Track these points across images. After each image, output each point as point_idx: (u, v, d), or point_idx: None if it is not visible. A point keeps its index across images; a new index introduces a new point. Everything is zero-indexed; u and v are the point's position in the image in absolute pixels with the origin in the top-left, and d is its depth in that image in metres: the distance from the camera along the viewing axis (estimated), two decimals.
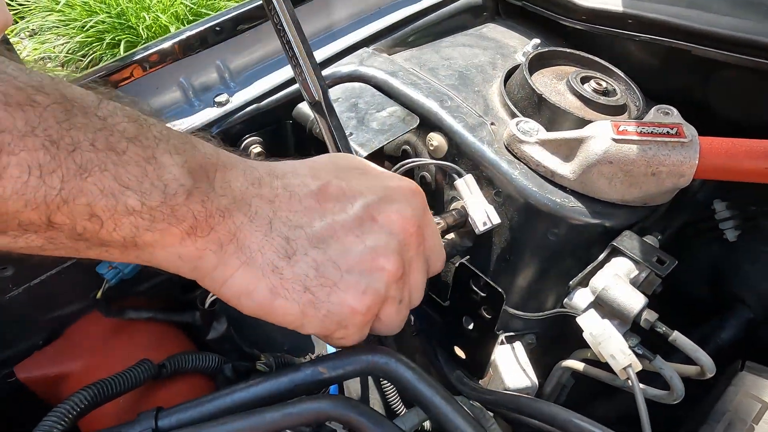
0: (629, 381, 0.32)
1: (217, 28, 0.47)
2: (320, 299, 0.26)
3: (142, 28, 1.94)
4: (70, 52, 1.96)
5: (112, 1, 1.95)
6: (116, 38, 1.96)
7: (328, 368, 0.31)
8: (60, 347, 0.45)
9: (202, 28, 0.46)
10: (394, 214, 0.27)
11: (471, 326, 0.39)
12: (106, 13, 1.94)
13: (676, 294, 0.64)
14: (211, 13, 2.05)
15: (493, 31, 0.59)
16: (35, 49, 2.00)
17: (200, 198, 0.24)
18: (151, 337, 0.46)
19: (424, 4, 0.58)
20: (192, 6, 2.04)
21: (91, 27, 1.93)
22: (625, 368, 0.32)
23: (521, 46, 0.55)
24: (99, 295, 0.43)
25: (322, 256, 0.26)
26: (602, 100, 0.45)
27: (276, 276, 0.26)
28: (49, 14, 2.03)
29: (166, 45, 0.45)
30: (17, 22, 2.04)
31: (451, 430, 0.29)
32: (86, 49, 1.97)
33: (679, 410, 0.49)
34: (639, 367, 0.32)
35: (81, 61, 2.01)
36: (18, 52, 2.02)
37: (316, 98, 0.36)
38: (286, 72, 0.50)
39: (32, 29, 2.06)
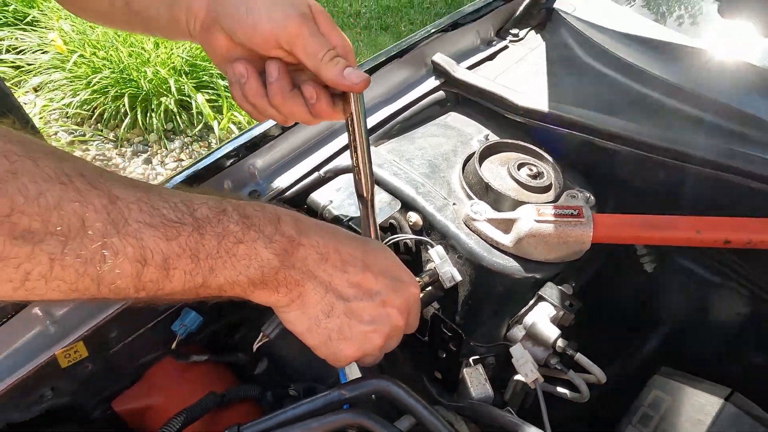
0: (538, 390, 0.49)
1: (248, 144, 0.63)
2: (333, 343, 0.43)
3: (144, 82, 2.11)
4: (77, 107, 2.12)
5: (115, 58, 2.11)
6: (120, 91, 2.12)
7: (348, 391, 0.47)
8: (143, 386, 0.60)
9: (240, 143, 0.63)
10: (395, 310, 0.43)
11: (444, 356, 0.55)
12: (110, 69, 2.11)
13: (612, 316, 0.81)
14: (206, 64, 2.22)
15: (454, 120, 0.76)
16: (45, 105, 2.15)
17: (284, 274, 0.40)
18: (209, 375, 0.62)
19: (404, 101, 0.75)
20: (188, 58, 2.21)
21: (97, 83, 2.09)
22: (533, 381, 0.48)
23: (477, 134, 0.72)
24: (173, 346, 0.59)
25: (346, 321, 0.42)
26: (533, 183, 0.62)
27: (315, 323, 0.42)
28: (55, 71, 2.19)
29: (219, 158, 0.61)
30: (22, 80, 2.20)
31: (432, 429, 0.45)
32: (92, 103, 2.13)
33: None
34: (542, 380, 0.49)
35: (89, 114, 2.17)
36: (27, 108, 2.17)
37: (365, 195, 0.50)
38: (299, 169, 0.66)
39: (35, 86, 2.22)
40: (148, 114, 2.15)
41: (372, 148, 0.70)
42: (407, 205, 0.62)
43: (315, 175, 0.66)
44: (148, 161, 2.17)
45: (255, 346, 0.58)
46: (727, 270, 0.71)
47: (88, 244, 0.32)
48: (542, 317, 0.53)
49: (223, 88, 2.21)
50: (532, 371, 0.49)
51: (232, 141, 0.63)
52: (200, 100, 2.13)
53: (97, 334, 0.53)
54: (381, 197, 0.63)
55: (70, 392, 0.55)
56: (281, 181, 0.65)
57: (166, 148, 2.20)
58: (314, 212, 0.64)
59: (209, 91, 2.21)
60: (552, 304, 0.54)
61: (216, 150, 0.63)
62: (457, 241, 0.58)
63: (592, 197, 0.63)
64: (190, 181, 0.60)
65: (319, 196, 0.63)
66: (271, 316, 0.52)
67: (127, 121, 2.13)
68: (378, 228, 0.52)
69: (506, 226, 0.57)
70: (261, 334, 0.55)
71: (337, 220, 0.62)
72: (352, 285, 0.43)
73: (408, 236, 0.60)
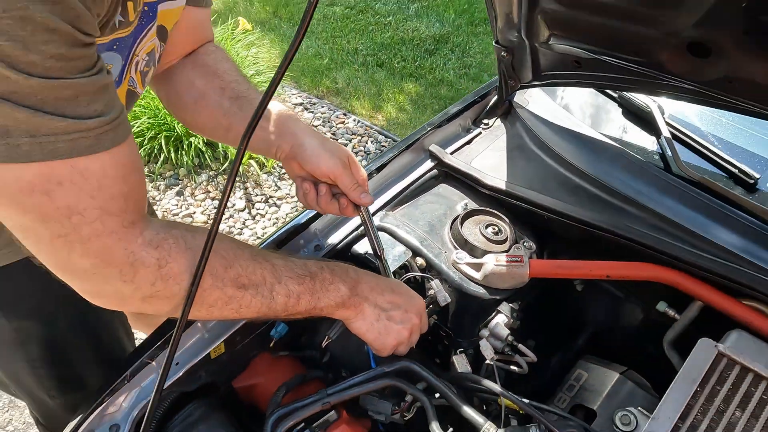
0: (494, 365, 0.84)
1: (312, 216, 0.98)
2: (381, 337, 0.78)
3: (177, 125, 2.45)
4: None
5: (152, 105, 2.46)
6: (156, 133, 2.46)
7: (387, 367, 0.82)
8: (250, 371, 0.95)
9: (308, 216, 0.98)
10: (414, 314, 0.79)
11: (440, 348, 0.90)
12: (147, 115, 2.45)
13: (555, 321, 1.16)
14: None
15: (444, 190, 1.12)
16: None
17: (353, 299, 0.75)
18: (291, 364, 0.96)
19: (410, 178, 1.11)
20: None
21: (137, 127, 2.43)
22: (491, 359, 0.84)
23: (460, 201, 1.08)
24: (271, 345, 0.93)
25: (387, 323, 0.78)
26: (495, 237, 0.98)
27: (370, 326, 0.77)
28: None
29: (296, 224, 0.96)
30: None
31: (437, 389, 0.80)
32: None
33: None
34: (496, 358, 0.84)
35: None
36: None
37: (378, 253, 0.86)
38: (344, 230, 1.01)
39: None
40: (180, 152, 2.50)
41: (389, 212, 1.06)
42: (415, 253, 0.97)
43: (354, 234, 1.01)
44: (180, 194, 2.51)
45: (324, 344, 0.93)
46: (626, 289, 1.07)
47: (266, 290, 0.68)
48: (499, 323, 0.89)
49: None
50: (491, 355, 0.85)
51: (302, 215, 0.99)
52: None
53: (230, 338, 0.88)
54: (398, 249, 0.98)
55: (213, 374, 0.89)
56: (334, 238, 1.00)
57: (195, 182, 2.54)
58: (356, 258, 0.99)
59: None
60: (505, 315, 0.90)
61: (293, 219, 0.98)
62: (447, 276, 0.94)
63: (534, 245, 0.99)
64: (282, 238, 0.95)
65: (359, 248, 0.99)
66: (325, 328, 0.87)
67: (162, 158, 2.47)
68: (390, 272, 0.88)
69: (477, 267, 0.93)
70: (326, 337, 0.90)
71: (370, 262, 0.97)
72: (388, 302, 0.79)
73: (416, 274, 0.96)
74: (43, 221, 0.51)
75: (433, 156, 1.13)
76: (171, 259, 0.58)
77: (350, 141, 2.91)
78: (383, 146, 2.91)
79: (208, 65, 0.88)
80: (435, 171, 1.13)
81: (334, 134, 2.93)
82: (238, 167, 0.60)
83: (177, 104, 0.90)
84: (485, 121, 1.23)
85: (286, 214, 2.48)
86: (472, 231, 1.00)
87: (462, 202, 1.07)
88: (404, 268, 0.97)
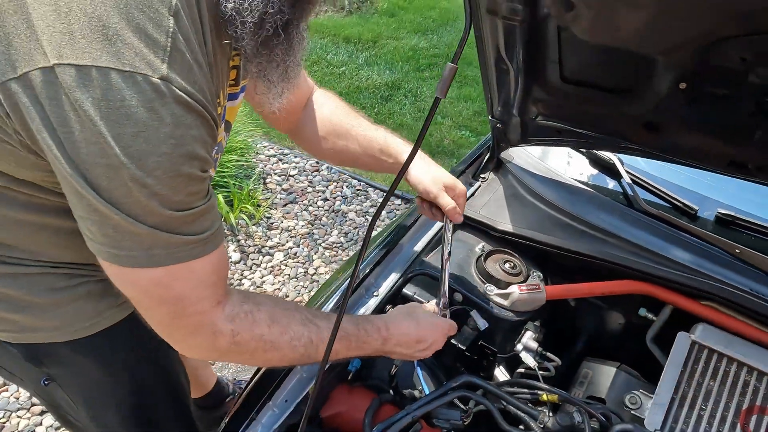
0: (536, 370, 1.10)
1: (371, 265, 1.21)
2: (407, 355, 1.01)
3: None
4: None
5: None
6: None
7: (453, 382, 1.05)
8: (332, 402, 1.14)
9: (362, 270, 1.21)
10: (438, 339, 1.03)
11: (484, 363, 1.14)
12: None
13: (560, 334, 1.44)
14: (220, 170, 2.73)
15: (462, 236, 1.38)
16: None
17: (384, 351, 0.98)
18: (364, 392, 1.17)
19: (435, 228, 1.36)
20: None
21: None
22: (533, 366, 1.10)
23: (476, 245, 1.34)
24: (350, 378, 1.14)
25: (409, 354, 1.01)
26: (512, 271, 1.25)
27: (401, 356, 1.01)
28: None
29: (362, 279, 1.19)
30: None
31: (500, 396, 1.04)
32: None
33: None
34: (536, 366, 1.10)
35: None
36: None
37: (443, 263, 1.10)
38: (393, 276, 1.25)
39: None
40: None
41: (424, 258, 1.30)
42: (452, 289, 1.22)
43: (402, 279, 1.25)
44: None
45: (392, 372, 1.15)
46: (610, 302, 1.37)
47: (312, 348, 0.87)
48: (529, 338, 1.15)
49: (233, 185, 2.74)
50: (533, 363, 1.11)
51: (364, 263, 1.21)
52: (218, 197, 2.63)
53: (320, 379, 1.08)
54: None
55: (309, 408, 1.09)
56: (387, 283, 1.23)
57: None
58: (405, 298, 1.23)
59: (224, 190, 2.72)
60: (532, 331, 1.16)
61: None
62: (483, 306, 1.19)
63: (541, 274, 1.27)
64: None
65: (407, 290, 1.22)
66: (382, 362, 1.09)
67: None
68: (446, 282, 1.12)
69: (504, 296, 1.19)
70: (394, 366, 1.12)
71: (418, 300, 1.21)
72: (414, 343, 0.99)
73: (458, 307, 1.20)
74: (160, 303, 0.71)
75: None
76: (241, 330, 0.77)
77: (327, 187, 3.14)
78: (358, 190, 3.16)
79: (331, 122, 1.16)
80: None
81: (311, 182, 3.15)
82: (370, 233, 0.82)
83: (314, 150, 1.21)
84: (482, 175, 1.52)
85: (280, 262, 2.65)
86: (493, 267, 1.26)
87: (479, 245, 1.34)
88: (451, 301, 1.21)
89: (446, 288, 1.11)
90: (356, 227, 2.92)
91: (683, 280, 1.13)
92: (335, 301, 1.15)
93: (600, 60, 1.04)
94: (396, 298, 1.24)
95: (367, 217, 2.99)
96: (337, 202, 3.05)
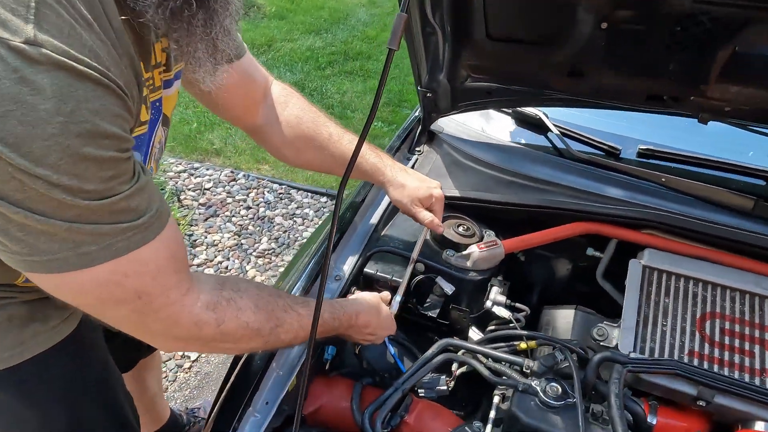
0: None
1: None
2: (353, 338, 1.01)
3: None
4: None
5: None
6: None
7: (434, 349, 1.04)
8: (312, 396, 1.08)
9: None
10: (384, 330, 1.04)
11: (458, 327, 1.15)
12: None
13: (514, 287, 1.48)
14: None
15: None
16: None
17: (349, 332, 0.97)
18: (342, 380, 1.12)
19: (383, 205, 1.34)
20: None
21: None
22: (510, 318, 1.12)
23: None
24: (327, 368, 1.09)
25: (367, 338, 1.01)
26: (467, 233, 1.26)
27: (360, 338, 1.00)
28: None
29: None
30: None
31: (481, 353, 1.04)
32: None
33: None
34: (512, 317, 1.12)
35: None
36: None
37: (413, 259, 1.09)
38: (353, 258, 1.21)
39: None
40: None
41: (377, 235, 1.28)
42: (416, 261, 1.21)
43: (362, 258, 1.22)
44: None
45: (356, 351, 1.11)
46: (556, 251, 1.43)
47: (293, 334, 0.85)
48: (496, 293, 1.17)
49: None
50: (508, 314, 1.12)
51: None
52: None
53: (299, 374, 1.02)
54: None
55: (289, 406, 1.02)
56: (348, 266, 1.19)
57: None
58: (367, 277, 1.20)
59: None
60: (497, 286, 1.18)
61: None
62: (446, 272, 1.19)
63: (493, 232, 1.30)
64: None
65: (368, 269, 1.19)
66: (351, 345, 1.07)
67: None
68: (407, 275, 1.11)
69: (465, 258, 1.20)
70: (355, 347, 1.09)
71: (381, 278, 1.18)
72: (369, 333, 1.00)
73: (422, 276, 1.19)
74: (118, 304, 0.63)
75: None
76: (227, 319, 0.73)
77: (248, 195, 3.01)
78: (280, 194, 3.07)
79: (300, 129, 1.08)
80: None
81: (229, 193, 3.01)
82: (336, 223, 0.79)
83: (279, 154, 1.13)
84: (417, 149, 1.52)
85: None
86: (448, 233, 1.27)
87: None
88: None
89: (404, 288, 1.12)
90: (285, 231, 2.83)
91: (624, 213, 1.21)
92: (299, 287, 1.09)
93: (523, 13, 1.08)
94: (359, 278, 1.20)
95: (294, 219, 2.91)
96: (261, 209, 2.94)
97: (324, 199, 3.08)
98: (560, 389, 0.94)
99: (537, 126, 1.49)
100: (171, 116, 0.90)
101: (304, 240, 2.76)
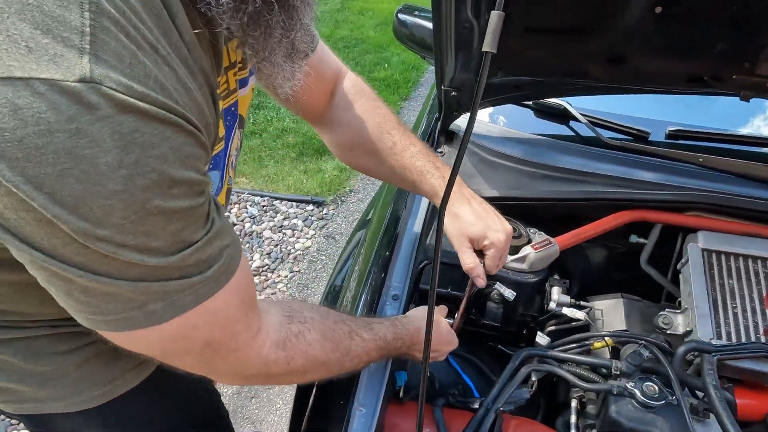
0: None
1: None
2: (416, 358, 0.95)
3: None
4: None
5: None
6: None
7: (514, 361, 0.99)
8: (389, 428, 1.01)
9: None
10: (438, 355, 0.98)
11: (525, 332, 1.10)
12: None
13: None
14: None
15: None
16: None
17: (408, 351, 0.91)
18: (412, 405, 1.06)
19: (422, 211, 1.28)
20: None
21: None
22: (582, 318, 1.08)
23: None
24: (401, 395, 1.01)
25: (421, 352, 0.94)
26: (516, 235, 1.22)
27: (414, 353, 0.94)
28: None
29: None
30: None
31: (564, 359, 1.00)
32: None
33: None
34: (586, 317, 1.09)
35: None
36: None
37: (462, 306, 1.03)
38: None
39: None
40: None
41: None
42: None
43: (414, 273, 1.15)
44: None
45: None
46: (593, 240, 1.41)
47: (357, 361, 0.80)
48: (559, 293, 1.13)
49: None
50: (582, 315, 1.09)
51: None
52: None
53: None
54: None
55: None
56: (400, 281, 1.12)
57: None
58: (421, 292, 1.13)
59: None
60: (557, 286, 1.15)
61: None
62: (504, 278, 1.14)
63: (540, 231, 1.26)
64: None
65: (423, 285, 1.13)
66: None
67: None
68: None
69: (520, 261, 1.16)
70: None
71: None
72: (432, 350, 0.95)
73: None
74: (186, 353, 0.58)
75: None
76: (297, 356, 0.68)
77: (230, 211, 2.86)
78: (264, 206, 2.93)
79: (361, 136, 0.98)
80: None
81: None
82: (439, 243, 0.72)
83: (339, 155, 1.06)
84: (439, 150, 1.46)
85: None
86: None
87: None
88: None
89: (465, 305, 1.05)
90: (276, 244, 2.71)
91: (669, 197, 1.20)
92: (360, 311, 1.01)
93: (565, 2, 1.03)
94: (414, 294, 1.14)
95: (283, 231, 2.79)
96: (247, 224, 2.80)
97: (310, 207, 2.97)
98: (657, 388, 0.91)
99: (560, 116, 1.46)
100: (246, 115, 0.80)
101: (299, 252, 2.66)
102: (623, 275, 1.45)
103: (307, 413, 0.96)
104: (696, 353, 0.98)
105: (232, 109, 0.70)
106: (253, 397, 2.00)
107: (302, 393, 1.02)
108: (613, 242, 1.35)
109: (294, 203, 2.97)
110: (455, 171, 0.68)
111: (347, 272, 1.28)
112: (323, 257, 2.66)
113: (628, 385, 0.92)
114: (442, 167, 1.00)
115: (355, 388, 0.91)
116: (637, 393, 0.90)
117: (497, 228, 0.95)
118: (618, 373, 0.96)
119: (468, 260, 0.96)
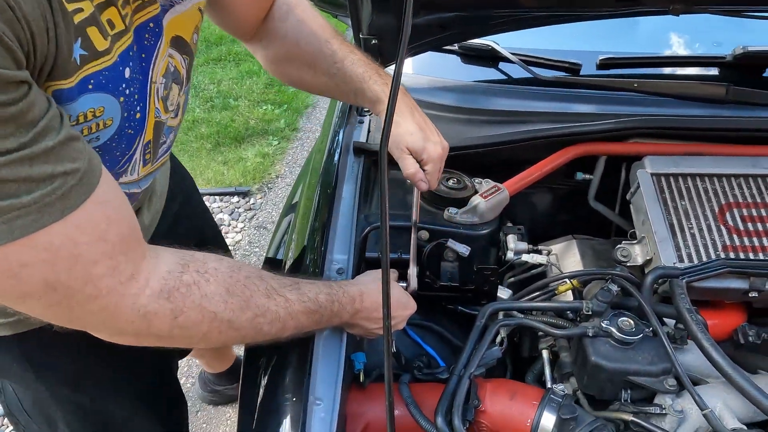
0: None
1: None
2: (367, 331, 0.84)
3: None
4: None
5: None
6: None
7: (479, 321, 0.90)
8: (352, 418, 0.89)
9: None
10: (399, 309, 0.86)
11: (485, 288, 1.02)
12: None
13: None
14: None
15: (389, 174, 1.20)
16: None
17: (351, 319, 0.79)
18: (379, 387, 0.94)
19: (356, 178, 1.15)
20: None
21: None
22: (545, 262, 1.01)
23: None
24: (362, 380, 0.89)
25: (371, 331, 0.84)
26: (459, 186, 1.12)
27: (364, 333, 0.84)
28: None
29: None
30: None
31: (532, 308, 0.92)
32: None
33: None
34: (549, 262, 1.01)
35: None
36: None
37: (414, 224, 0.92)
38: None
39: None
40: None
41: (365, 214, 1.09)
42: (418, 228, 1.05)
43: (357, 241, 1.02)
44: None
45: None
46: (545, 187, 1.35)
47: (279, 326, 0.68)
48: (515, 242, 1.05)
49: None
50: (545, 259, 1.01)
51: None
52: None
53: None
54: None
55: None
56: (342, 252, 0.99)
57: None
58: (369, 262, 1.01)
59: None
60: (513, 234, 1.06)
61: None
62: (454, 233, 1.04)
63: (485, 179, 1.17)
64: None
65: (370, 253, 1.01)
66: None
67: None
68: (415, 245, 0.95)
69: (470, 212, 1.06)
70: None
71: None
72: (374, 322, 0.83)
73: (431, 244, 1.03)
74: (25, 297, 0.50)
75: (358, 151, 1.19)
76: (186, 309, 0.58)
77: None
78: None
79: (287, 41, 0.91)
80: (366, 162, 1.19)
81: None
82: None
83: (275, 73, 0.97)
84: (365, 109, 1.33)
85: None
86: (440, 190, 1.11)
87: None
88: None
89: (415, 258, 0.95)
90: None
91: (611, 126, 1.15)
92: None
93: None
94: (360, 265, 1.01)
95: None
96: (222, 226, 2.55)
97: (235, 198, 2.76)
98: (632, 322, 0.85)
99: (487, 58, 1.37)
100: (194, 41, 0.72)
101: (230, 248, 2.46)
102: (568, 216, 1.40)
103: (255, 416, 0.82)
104: (662, 280, 0.93)
105: (150, 24, 0.61)
106: (198, 410, 1.82)
107: (248, 392, 0.88)
108: (559, 183, 1.29)
109: (217, 197, 2.74)
110: (398, 72, 0.57)
111: (282, 252, 1.14)
112: (257, 249, 2.47)
113: (603, 324, 0.85)
114: (384, 75, 0.92)
115: (307, 379, 0.78)
116: (614, 331, 0.84)
117: (436, 141, 0.91)
118: (590, 313, 0.89)
119: (409, 166, 0.90)
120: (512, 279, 1.12)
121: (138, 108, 0.60)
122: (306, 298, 0.71)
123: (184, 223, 1.11)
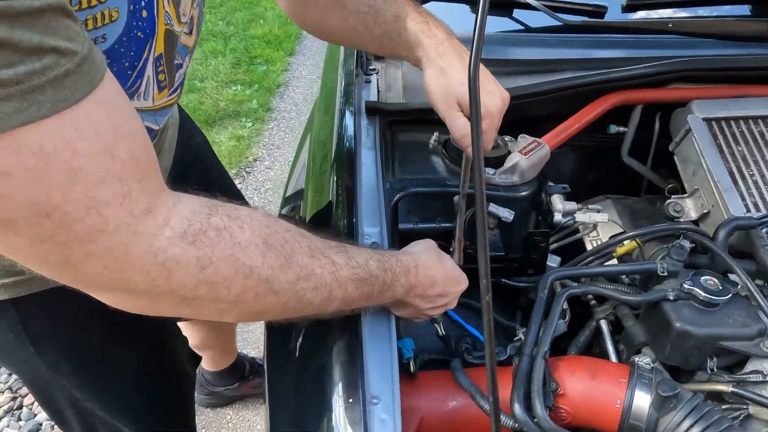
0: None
1: None
2: (420, 311, 0.72)
3: None
4: None
5: None
6: None
7: (543, 291, 0.78)
8: (408, 413, 0.77)
9: None
10: (447, 303, 0.73)
11: (533, 256, 0.90)
12: None
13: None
14: None
15: (406, 136, 1.06)
16: None
17: (404, 297, 0.66)
18: (431, 375, 0.82)
19: (373, 141, 1.01)
20: None
21: None
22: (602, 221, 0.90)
23: (428, 138, 1.04)
24: (411, 370, 0.77)
25: (423, 312, 0.72)
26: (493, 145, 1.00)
27: (413, 315, 0.72)
28: None
29: None
30: None
31: (599, 274, 0.80)
32: None
33: None
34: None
35: None
36: None
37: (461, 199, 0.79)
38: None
39: None
40: None
41: (389, 180, 0.95)
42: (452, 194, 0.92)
43: (388, 212, 0.89)
44: None
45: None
46: (570, 145, 1.24)
47: (325, 293, 0.55)
48: (562, 201, 0.93)
49: None
50: (599, 218, 0.90)
51: None
52: None
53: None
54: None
55: None
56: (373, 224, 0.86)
57: None
58: (402, 235, 0.88)
59: None
60: (558, 193, 0.95)
61: None
62: (495, 195, 0.92)
63: (520, 136, 1.04)
64: None
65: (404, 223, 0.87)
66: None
67: None
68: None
69: (510, 172, 0.94)
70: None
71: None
72: (439, 295, 0.71)
73: (473, 208, 0.91)
74: (5, 228, 0.36)
75: (372, 110, 1.05)
76: (216, 259, 0.44)
77: None
78: None
79: None
80: (381, 123, 1.05)
81: None
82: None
83: (303, 11, 0.78)
84: (371, 68, 1.19)
85: None
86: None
87: (432, 138, 1.04)
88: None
89: (460, 231, 0.83)
90: None
91: (652, 70, 1.03)
92: None
93: None
94: (394, 239, 0.88)
95: None
96: None
97: None
98: (717, 281, 0.75)
99: (501, 6, 1.24)
100: None
101: None
102: (596, 175, 1.30)
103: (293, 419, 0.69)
104: (736, 231, 0.84)
105: None
106: (195, 415, 1.66)
107: (277, 391, 0.74)
108: (590, 138, 1.18)
109: None
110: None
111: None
112: None
113: (685, 286, 0.74)
114: (423, 12, 0.76)
115: (359, 374, 0.65)
116: (699, 291, 0.73)
117: (493, 90, 0.72)
118: (666, 274, 0.79)
119: (457, 126, 0.73)
120: (555, 246, 1.01)
121: (143, 3, 0.50)
122: (355, 263, 0.58)
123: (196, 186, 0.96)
